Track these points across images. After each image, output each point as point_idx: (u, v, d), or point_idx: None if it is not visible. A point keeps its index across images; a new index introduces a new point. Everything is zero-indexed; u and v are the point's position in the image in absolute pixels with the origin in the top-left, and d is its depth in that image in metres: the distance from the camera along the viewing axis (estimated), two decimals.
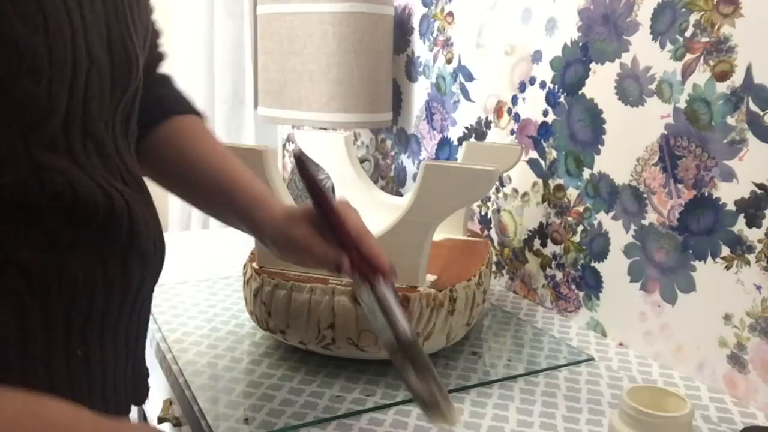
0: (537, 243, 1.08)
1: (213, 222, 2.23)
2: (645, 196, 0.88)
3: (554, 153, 1.03)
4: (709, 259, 0.81)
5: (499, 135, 1.14)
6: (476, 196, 0.74)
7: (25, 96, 0.41)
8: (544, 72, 1.03)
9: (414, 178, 1.39)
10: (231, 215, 0.68)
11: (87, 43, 0.46)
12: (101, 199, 0.47)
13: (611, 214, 0.93)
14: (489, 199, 1.18)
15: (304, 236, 0.62)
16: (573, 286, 1.01)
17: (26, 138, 0.43)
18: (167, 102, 0.69)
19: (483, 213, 1.20)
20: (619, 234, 0.92)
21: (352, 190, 1.05)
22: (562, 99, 1.00)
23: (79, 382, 0.49)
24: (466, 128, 1.22)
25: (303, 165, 0.62)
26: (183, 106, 0.69)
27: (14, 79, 0.40)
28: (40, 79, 0.42)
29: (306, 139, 1.08)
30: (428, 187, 0.73)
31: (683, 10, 0.81)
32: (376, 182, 1.51)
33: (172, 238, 1.44)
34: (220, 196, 0.66)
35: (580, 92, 0.97)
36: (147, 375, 0.61)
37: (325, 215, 0.62)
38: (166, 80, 0.70)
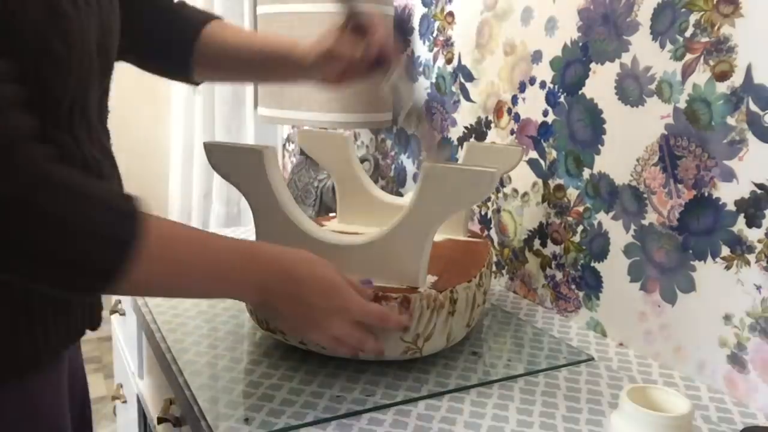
0: (537, 243, 1.08)
1: (213, 222, 2.23)
2: (645, 196, 0.88)
3: (554, 153, 1.03)
4: (709, 259, 0.81)
5: (499, 135, 1.14)
6: (477, 197, 0.74)
7: (51, 89, 0.55)
8: (544, 72, 1.03)
9: (414, 178, 1.39)
10: (283, 68, 0.86)
11: (91, 42, 0.57)
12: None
13: (611, 214, 0.93)
14: (489, 199, 1.18)
15: (340, 37, 0.82)
16: (573, 286, 1.01)
17: (44, 120, 0.54)
18: (195, 16, 0.86)
19: (483, 213, 1.20)
20: (619, 234, 0.92)
21: (352, 190, 1.05)
22: (562, 99, 1.00)
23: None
24: (466, 128, 1.22)
25: None
26: (207, 16, 0.87)
27: (47, 80, 0.54)
28: (62, 76, 0.55)
29: (306, 139, 1.08)
30: (429, 188, 0.73)
31: (683, 10, 0.81)
32: (376, 182, 1.51)
33: None
34: (271, 58, 0.86)
35: (580, 92, 0.97)
36: (101, 306, 0.72)
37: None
38: (179, 4, 0.87)
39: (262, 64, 0.87)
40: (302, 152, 1.45)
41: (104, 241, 0.51)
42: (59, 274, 0.52)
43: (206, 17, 0.87)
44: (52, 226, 0.49)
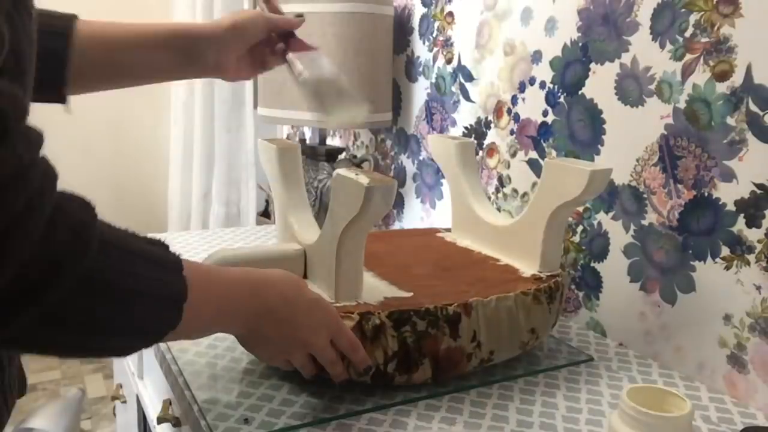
0: None
1: (212, 222, 2.23)
2: (645, 196, 0.88)
3: (554, 153, 1.03)
4: (709, 259, 0.81)
5: (499, 135, 1.14)
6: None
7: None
8: (544, 72, 1.03)
9: (414, 178, 1.39)
10: (182, 55, 0.78)
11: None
12: None
13: (611, 214, 0.93)
14: (489, 199, 1.18)
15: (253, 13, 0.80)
16: (573, 286, 1.01)
17: None
18: (57, 19, 0.71)
19: None
20: (618, 234, 0.92)
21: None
22: (561, 99, 1.00)
23: None
24: (466, 128, 1.22)
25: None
26: (65, 17, 0.72)
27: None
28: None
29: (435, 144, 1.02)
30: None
31: (683, 10, 0.81)
32: None
33: (171, 238, 1.44)
34: (164, 48, 0.77)
35: (579, 92, 0.97)
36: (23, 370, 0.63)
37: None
38: None
39: (165, 50, 0.77)
40: (303, 152, 1.45)
41: (162, 303, 0.50)
42: (116, 344, 0.49)
43: (68, 17, 0.72)
44: (117, 295, 0.46)
